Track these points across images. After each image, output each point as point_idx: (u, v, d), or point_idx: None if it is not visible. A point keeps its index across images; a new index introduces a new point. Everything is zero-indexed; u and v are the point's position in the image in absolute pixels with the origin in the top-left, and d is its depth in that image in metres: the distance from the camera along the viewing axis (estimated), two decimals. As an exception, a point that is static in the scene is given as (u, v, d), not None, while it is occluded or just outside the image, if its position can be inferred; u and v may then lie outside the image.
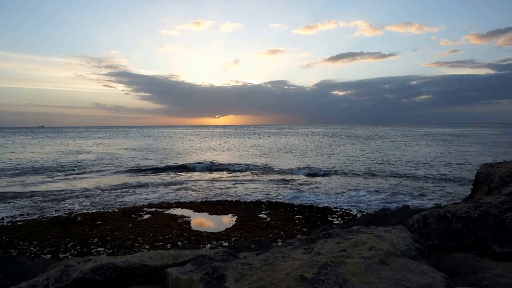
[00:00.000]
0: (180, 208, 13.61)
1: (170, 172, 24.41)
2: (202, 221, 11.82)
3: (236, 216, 12.16)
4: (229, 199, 15.55)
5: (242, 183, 20.16)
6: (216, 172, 24.41)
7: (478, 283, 2.08)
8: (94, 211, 13.36)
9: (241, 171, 24.98)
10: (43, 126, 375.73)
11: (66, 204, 14.82)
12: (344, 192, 17.00)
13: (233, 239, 9.66)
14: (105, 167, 27.41)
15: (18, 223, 11.53)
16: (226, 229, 10.64)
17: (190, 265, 2.41)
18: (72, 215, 12.50)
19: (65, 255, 8.61)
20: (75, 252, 8.76)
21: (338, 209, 13.33)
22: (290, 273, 1.92)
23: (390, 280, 1.90)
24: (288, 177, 21.64)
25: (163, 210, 13.32)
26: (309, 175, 22.41)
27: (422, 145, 47.53)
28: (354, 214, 12.59)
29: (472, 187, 4.57)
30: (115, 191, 18.22)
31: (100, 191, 18.03)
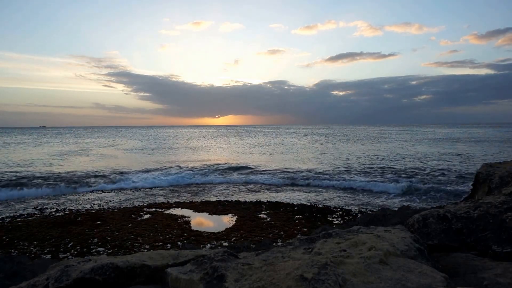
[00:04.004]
0: (180, 208, 13.61)
1: (172, 172, 24.41)
2: (202, 221, 11.82)
3: (236, 216, 12.16)
4: (229, 199, 15.56)
5: (242, 184, 20.19)
6: (218, 173, 24.38)
7: (478, 283, 2.08)
8: (94, 211, 13.37)
9: (243, 172, 24.97)
10: (44, 126, 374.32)
11: (66, 204, 14.84)
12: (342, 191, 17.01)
13: (233, 239, 9.66)
14: (105, 167, 27.41)
15: (18, 223, 11.53)
16: (226, 229, 10.64)
17: (190, 265, 2.41)
18: (72, 215, 12.51)
19: (65, 255, 8.61)
20: (75, 252, 8.76)
21: (338, 209, 13.34)
22: (290, 273, 1.92)
23: (390, 280, 1.90)
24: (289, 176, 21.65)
25: (163, 210, 13.32)
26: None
27: (421, 145, 47.53)
28: (354, 214, 12.60)
29: (472, 187, 4.57)
30: (114, 191, 18.23)
31: (100, 192, 18.04)
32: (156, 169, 25.51)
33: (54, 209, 13.81)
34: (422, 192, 16.37)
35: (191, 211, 13.19)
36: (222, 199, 15.43)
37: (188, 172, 23.78)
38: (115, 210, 13.38)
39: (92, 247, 9.14)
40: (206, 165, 28.02)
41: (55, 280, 2.38)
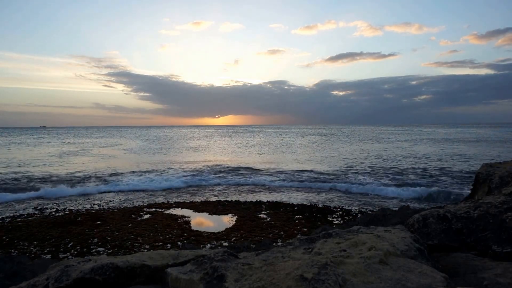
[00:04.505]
0: (180, 208, 13.61)
1: (171, 173, 24.40)
2: (202, 221, 11.83)
3: (236, 216, 12.16)
4: (229, 199, 15.56)
5: (242, 184, 20.19)
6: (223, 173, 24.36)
7: (478, 283, 2.07)
8: (94, 211, 13.37)
9: (247, 172, 24.96)
10: (44, 126, 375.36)
11: (66, 204, 14.84)
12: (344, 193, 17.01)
13: (233, 239, 9.66)
14: (106, 168, 27.43)
15: (18, 223, 11.53)
16: (226, 229, 10.65)
17: (190, 265, 2.41)
18: (72, 215, 12.51)
19: (65, 255, 8.61)
20: (75, 252, 8.76)
21: (338, 209, 13.34)
22: (290, 273, 1.92)
23: (390, 280, 1.90)
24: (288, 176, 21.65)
25: (163, 210, 13.32)
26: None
27: (421, 145, 47.54)
28: (354, 214, 12.60)
29: (472, 187, 4.57)
30: (114, 191, 18.22)
31: (100, 192, 18.03)
32: (156, 170, 25.48)
33: (54, 209, 13.81)
34: (425, 193, 16.20)
35: (191, 211, 13.19)
36: (222, 199, 15.43)
37: (188, 173, 23.69)
38: (115, 210, 13.38)
39: (92, 247, 9.14)
40: (206, 165, 28.00)
41: (55, 280, 2.38)
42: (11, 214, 13.00)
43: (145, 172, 24.29)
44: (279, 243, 5.40)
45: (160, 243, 9.35)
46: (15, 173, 23.85)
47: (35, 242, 9.48)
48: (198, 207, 13.74)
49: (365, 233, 2.65)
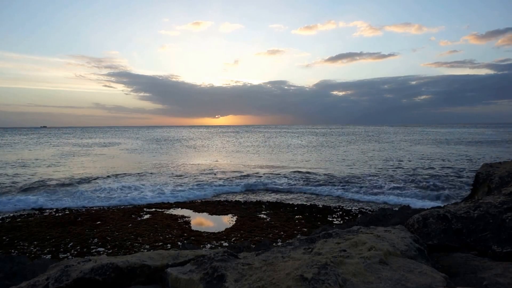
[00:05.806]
0: (180, 208, 13.61)
1: (172, 174, 24.39)
2: (202, 221, 11.83)
3: (236, 216, 12.16)
4: (229, 199, 15.56)
5: (242, 185, 20.18)
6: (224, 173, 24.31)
7: (478, 283, 2.07)
8: (94, 211, 13.37)
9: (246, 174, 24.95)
10: (45, 126, 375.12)
11: (66, 204, 14.83)
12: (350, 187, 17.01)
13: (233, 239, 9.66)
14: (106, 170, 27.43)
15: (18, 223, 11.53)
16: (226, 229, 10.65)
17: (190, 265, 2.41)
18: (72, 215, 12.51)
19: (65, 255, 8.62)
20: (75, 252, 8.76)
21: (338, 209, 13.34)
22: (290, 273, 1.92)
23: (390, 280, 1.90)
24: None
25: (163, 210, 13.32)
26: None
27: (421, 145, 47.51)
28: (354, 214, 12.60)
29: (472, 187, 4.57)
30: (114, 192, 18.20)
31: (100, 192, 18.01)
32: (155, 173, 25.50)
33: (54, 209, 13.81)
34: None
35: (191, 211, 13.19)
36: (222, 199, 15.43)
37: (189, 178, 23.13)
38: (115, 210, 13.38)
39: (92, 247, 9.14)
40: (206, 168, 27.99)
41: (55, 280, 2.38)
42: (11, 214, 13.00)
43: (144, 174, 24.29)
44: (279, 243, 5.40)
45: (160, 243, 9.35)
46: (17, 174, 23.85)
47: (35, 242, 9.48)
48: (198, 207, 13.74)
49: (365, 233, 2.65)
